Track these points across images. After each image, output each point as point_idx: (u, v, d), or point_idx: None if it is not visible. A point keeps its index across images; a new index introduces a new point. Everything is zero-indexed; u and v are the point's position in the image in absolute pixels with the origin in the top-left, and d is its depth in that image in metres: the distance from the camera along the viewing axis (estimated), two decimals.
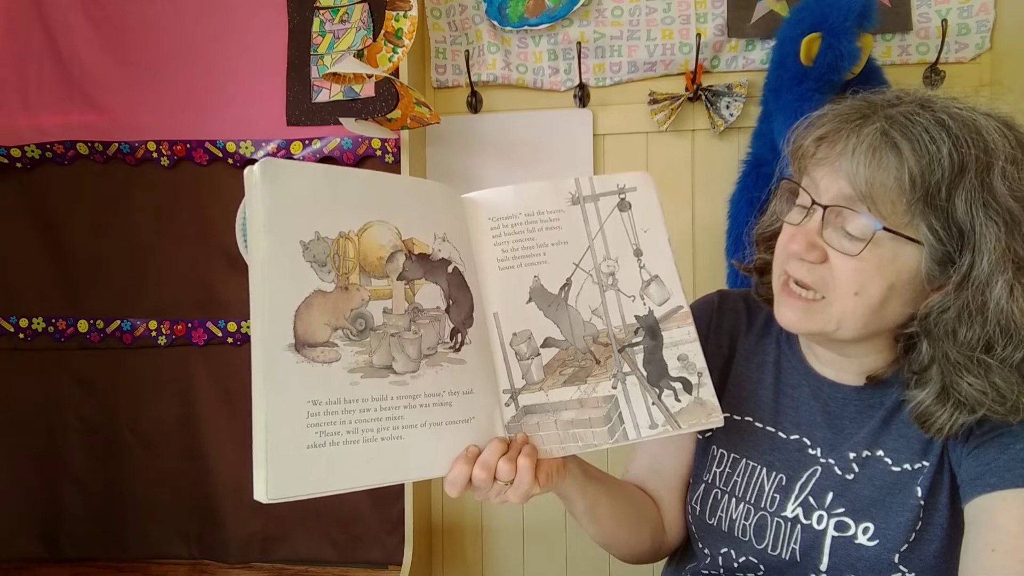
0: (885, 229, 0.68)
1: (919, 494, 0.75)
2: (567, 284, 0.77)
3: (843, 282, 0.71)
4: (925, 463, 0.75)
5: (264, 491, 0.60)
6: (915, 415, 0.74)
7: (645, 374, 0.76)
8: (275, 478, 0.60)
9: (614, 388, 0.75)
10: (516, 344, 0.76)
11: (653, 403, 0.75)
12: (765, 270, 0.85)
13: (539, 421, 0.74)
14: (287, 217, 0.66)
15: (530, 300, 0.77)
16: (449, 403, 0.70)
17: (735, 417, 0.86)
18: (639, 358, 0.76)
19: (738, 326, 0.91)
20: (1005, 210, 0.66)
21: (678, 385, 0.76)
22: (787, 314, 0.76)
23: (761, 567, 0.81)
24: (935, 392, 0.72)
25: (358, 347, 0.67)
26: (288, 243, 0.66)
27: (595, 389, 0.75)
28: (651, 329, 0.77)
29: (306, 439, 0.62)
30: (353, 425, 0.65)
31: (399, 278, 0.71)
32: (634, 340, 0.77)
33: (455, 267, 0.75)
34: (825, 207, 0.71)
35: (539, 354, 0.76)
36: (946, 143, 0.66)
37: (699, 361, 0.76)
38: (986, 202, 0.66)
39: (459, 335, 0.73)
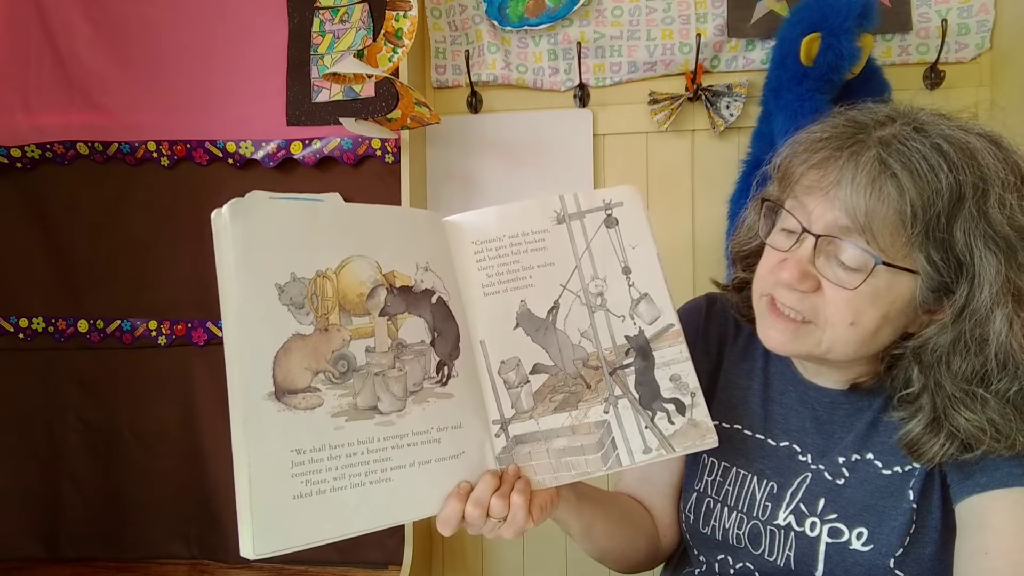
0: (885, 264, 0.66)
1: (911, 497, 0.74)
2: (555, 307, 0.75)
3: (838, 312, 0.69)
4: (915, 465, 0.75)
5: (251, 547, 0.58)
6: (904, 443, 0.73)
7: (637, 397, 0.74)
8: (261, 533, 0.58)
9: (606, 412, 0.73)
10: (504, 372, 0.73)
11: (646, 426, 0.73)
12: (743, 288, 0.83)
13: (531, 451, 0.72)
14: (260, 259, 0.63)
15: (517, 326, 0.74)
16: (438, 440, 0.68)
17: (724, 425, 0.85)
18: (631, 380, 0.74)
19: (726, 332, 0.90)
20: (1002, 239, 0.65)
21: (671, 407, 0.74)
22: (774, 336, 0.74)
23: (757, 574, 0.81)
24: (925, 421, 0.71)
25: (341, 390, 0.65)
26: (263, 287, 0.63)
27: (587, 414, 0.73)
28: (642, 349, 0.75)
29: (291, 490, 0.60)
30: (340, 471, 0.62)
31: (381, 314, 0.68)
32: (625, 362, 0.75)
33: (439, 297, 0.72)
34: (818, 236, 0.69)
35: (528, 381, 0.73)
36: (944, 171, 0.64)
37: (692, 381, 0.74)
38: (984, 232, 0.65)
39: (445, 368, 0.71)
